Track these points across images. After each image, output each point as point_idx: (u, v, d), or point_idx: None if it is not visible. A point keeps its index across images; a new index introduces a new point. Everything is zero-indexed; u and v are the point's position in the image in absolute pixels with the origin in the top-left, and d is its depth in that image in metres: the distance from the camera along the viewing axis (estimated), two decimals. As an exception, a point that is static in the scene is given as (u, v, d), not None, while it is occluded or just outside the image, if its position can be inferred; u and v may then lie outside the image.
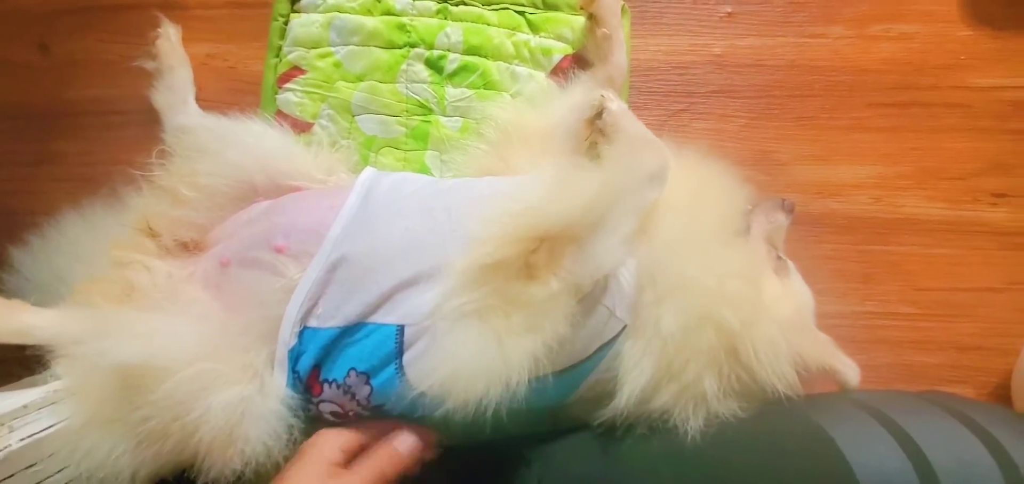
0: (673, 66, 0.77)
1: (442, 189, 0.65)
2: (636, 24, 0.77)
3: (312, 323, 0.58)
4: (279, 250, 0.61)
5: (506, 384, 0.52)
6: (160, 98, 0.77)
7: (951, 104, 0.76)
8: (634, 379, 0.55)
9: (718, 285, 0.56)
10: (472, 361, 0.53)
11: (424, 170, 0.77)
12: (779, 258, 0.64)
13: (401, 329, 0.56)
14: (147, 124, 0.79)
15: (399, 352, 0.56)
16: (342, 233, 0.60)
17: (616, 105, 0.64)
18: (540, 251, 0.54)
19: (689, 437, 0.53)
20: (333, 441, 0.57)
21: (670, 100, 0.77)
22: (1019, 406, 0.73)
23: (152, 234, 0.69)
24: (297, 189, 0.70)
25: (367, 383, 0.57)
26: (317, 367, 0.58)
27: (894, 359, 0.77)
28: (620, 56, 0.72)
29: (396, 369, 0.56)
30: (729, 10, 0.77)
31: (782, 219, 0.67)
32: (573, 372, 0.57)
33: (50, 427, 0.59)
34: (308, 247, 0.60)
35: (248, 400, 0.56)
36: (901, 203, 0.76)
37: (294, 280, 0.59)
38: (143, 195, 0.71)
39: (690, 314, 0.55)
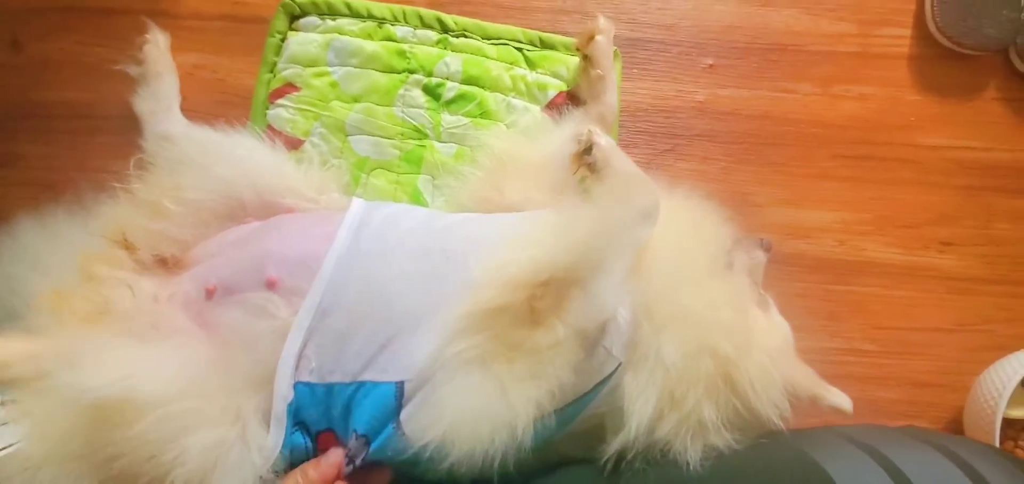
0: (660, 110, 0.81)
1: (438, 228, 0.62)
2: (627, 68, 0.81)
3: (305, 377, 0.54)
4: (270, 284, 0.57)
5: (512, 432, 0.50)
6: (143, 105, 0.73)
7: (903, 159, 0.82)
8: (640, 409, 0.54)
9: (712, 314, 0.56)
10: (476, 410, 0.50)
11: (416, 194, 0.76)
12: (760, 293, 0.67)
13: (401, 385, 0.53)
14: (121, 132, 0.74)
15: (398, 409, 0.53)
16: (334, 274, 0.56)
17: (604, 140, 0.65)
18: (545, 296, 0.52)
19: (688, 468, 0.52)
20: None
21: (657, 140, 0.80)
22: (970, 437, 0.77)
23: (128, 247, 0.63)
24: (287, 209, 0.67)
25: (366, 445, 0.53)
26: (331, 431, 0.55)
27: (858, 394, 0.78)
28: (611, 96, 0.74)
29: (394, 428, 0.53)
30: (710, 62, 0.81)
31: (761, 256, 0.70)
32: (568, 409, 0.55)
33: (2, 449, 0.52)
34: (299, 283, 0.56)
35: (227, 445, 0.51)
36: (863, 247, 0.81)
37: (286, 323, 0.55)
38: (118, 205, 0.66)
39: (689, 343, 0.55)
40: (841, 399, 0.60)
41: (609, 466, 0.54)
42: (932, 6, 0.81)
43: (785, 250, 0.80)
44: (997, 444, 0.73)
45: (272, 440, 0.53)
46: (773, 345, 0.60)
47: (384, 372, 0.53)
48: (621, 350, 0.55)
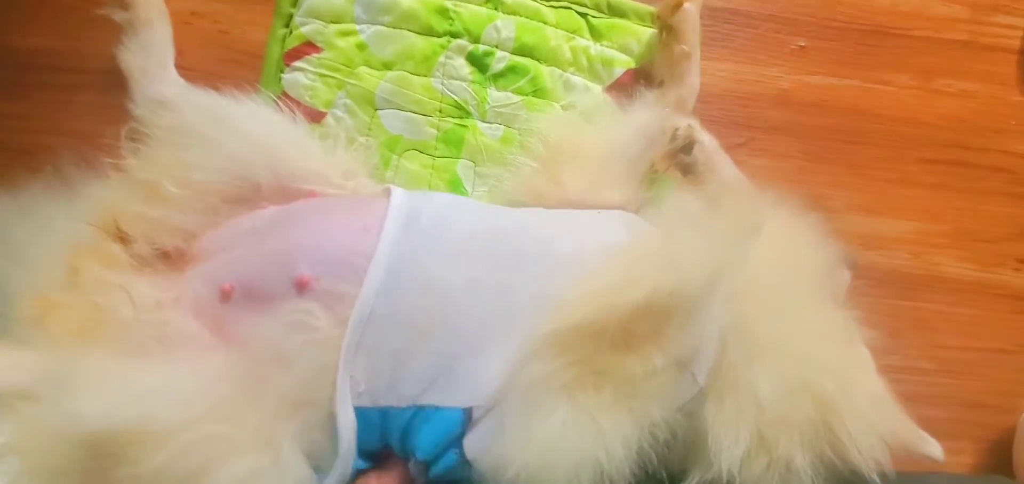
0: (737, 96, 0.69)
1: (505, 227, 0.53)
2: (704, 45, 0.68)
3: (356, 402, 0.46)
4: (302, 284, 0.48)
5: (601, 472, 0.43)
6: (131, 59, 0.58)
7: (994, 167, 0.73)
8: (730, 448, 0.47)
9: (819, 351, 0.49)
10: (566, 447, 0.43)
11: (455, 180, 0.65)
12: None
13: (469, 412, 0.46)
14: (105, 89, 0.61)
15: (462, 435, 0.46)
16: (386, 279, 0.47)
17: (709, 139, 0.55)
18: (642, 320, 0.44)
19: None
20: None
21: (730, 132, 0.69)
22: (1019, 461, 0.75)
23: (122, 237, 0.52)
24: (310, 194, 0.56)
25: (425, 471, 0.47)
26: (389, 447, 0.48)
27: (907, 413, 0.77)
28: (695, 78, 0.62)
29: (457, 457, 0.46)
30: (802, 43, 0.69)
31: (846, 276, 0.62)
32: None
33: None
34: (340, 285, 0.47)
35: (260, 475, 0.44)
36: (936, 260, 0.74)
37: (329, 336, 0.46)
38: (108, 186, 0.54)
39: (788, 381, 0.48)
40: (935, 449, 0.55)
41: None
42: (1056, -8, 0.69)
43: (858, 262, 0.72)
44: (1048, 476, 0.70)
45: (338, 475, 0.46)
46: (874, 388, 0.54)
47: (448, 396, 0.46)
48: (704, 376, 0.48)
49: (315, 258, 0.48)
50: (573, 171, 0.58)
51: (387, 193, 0.53)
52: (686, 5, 0.60)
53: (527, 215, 0.55)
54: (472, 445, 0.46)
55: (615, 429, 0.44)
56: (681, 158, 0.54)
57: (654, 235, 0.49)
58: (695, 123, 0.55)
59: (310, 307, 0.47)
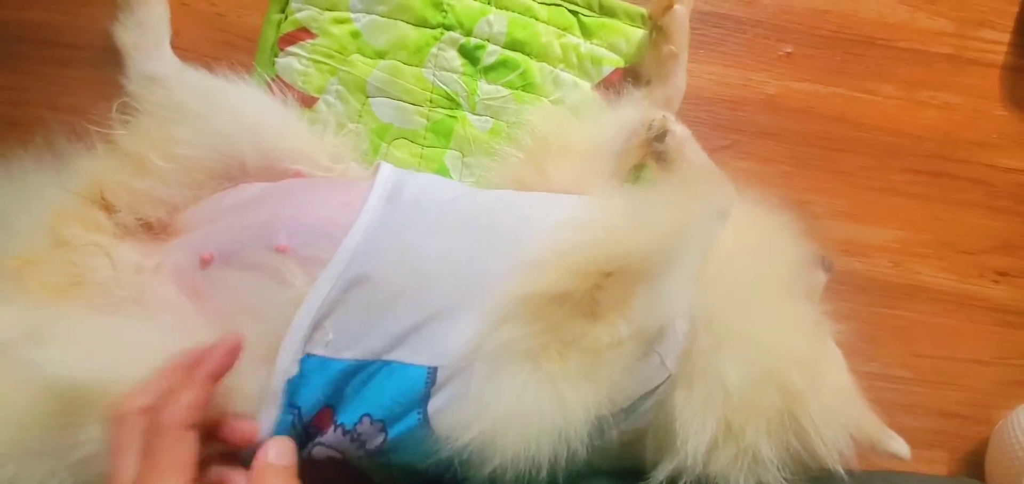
0: (724, 100, 0.70)
1: (484, 204, 0.53)
2: (693, 47, 0.68)
3: (319, 350, 0.46)
4: (281, 251, 0.48)
5: (564, 438, 0.43)
6: (127, 36, 0.59)
7: (975, 180, 0.74)
8: (697, 435, 0.47)
9: (787, 341, 0.49)
10: (526, 411, 0.43)
11: (442, 170, 0.65)
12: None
13: (433, 371, 0.45)
14: (99, 65, 0.61)
15: (426, 396, 0.45)
16: (363, 243, 0.48)
17: (681, 129, 0.56)
18: (608, 287, 0.45)
19: None
20: None
21: (716, 134, 0.70)
22: (990, 471, 0.75)
23: (106, 207, 0.53)
24: (297, 174, 0.56)
25: (382, 431, 0.46)
26: (329, 408, 0.47)
27: (884, 421, 0.77)
28: (681, 78, 0.63)
29: (419, 417, 0.45)
30: (789, 50, 0.70)
31: (821, 277, 0.63)
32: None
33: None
34: (318, 252, 0.48)
35: None
36: (917, 270, 0.74)
37: (301, 292, 0.46)
38: (96, 156, 0.55)
39: (755, 369, 0.48)
40: (900, 446, 0.55)
41: None
42: (1039, 11, 0.70)
43: (838, 266, 0.72)
44: (1022, 486, 0.70)
45: (262, 422, 0.46)
46: (841, 383, 0.54)
47: (415, 353, 0.46)
48: (674, 362, 0.48)
49: (293, 228, 0.49)
50: (558, 163, 0.59)
51: (376, 170, 0.53)
52: (676, 7, 0.61)
53: (507, 195, 0.55)
54: (435, 407, 0.46)
55: (576, 396, 0.44)
56: (655, 147, 0.55)
57: (624, 206, 0.50)
58: (670, 115, 0.55)
59: (288, 264, 0.47)
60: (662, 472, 0.48)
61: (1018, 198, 0.74)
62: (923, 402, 0.76)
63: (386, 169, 0.53)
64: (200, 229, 0.53)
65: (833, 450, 0.49)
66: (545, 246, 0.47)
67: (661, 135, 0.55)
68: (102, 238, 0.52)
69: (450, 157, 0.65)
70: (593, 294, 0.45)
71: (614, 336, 0.45)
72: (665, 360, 0.48)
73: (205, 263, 0.49)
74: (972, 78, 0.72)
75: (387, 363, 0.46)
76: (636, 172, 0.62)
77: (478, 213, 0.52)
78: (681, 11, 0.61)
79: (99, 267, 0.50)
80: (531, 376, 0.44)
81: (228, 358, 0.42)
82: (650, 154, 0.57)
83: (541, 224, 0.50)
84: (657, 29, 0.62)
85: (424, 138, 0.64)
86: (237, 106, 0.55)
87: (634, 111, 0.61)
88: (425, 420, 0.46)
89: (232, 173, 0.55)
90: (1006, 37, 0.71)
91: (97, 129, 0.54)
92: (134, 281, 0.50)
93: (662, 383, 0.48)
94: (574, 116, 0.63)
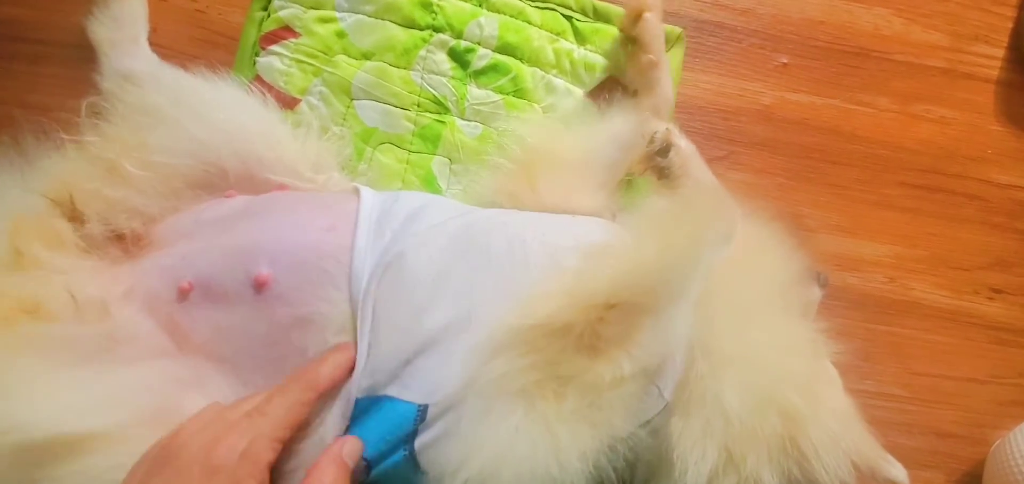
0: (719, 109, 0.67)
1: (475, 225, 0.50)
2: (689, 56, 0.67)
3: None
4: (260, 283, 0.44)
5: None
6: (102, 31, 0.55)
7: (970, 195, 0.72)
8: (697, 465, 0.44)
9: (786, 363, 0.47)
10: (516, 455, 0.40)
11: (429, 177, 0.62)
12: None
13: (424, 409, 0.42)
14: (73, 64, 0.58)
15: (413, 434, 0.42)
16: (360, 278, 0.45)
17: (685, 144, 0.53)
18: (611, 321, 0.41)
19: None
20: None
21: (711, 144, 0.67)
22: (988, 496, 0.72)
23: (75, 215, 0.49)
24: (279, 186, 0.53)
25: (368, 468, 0.43)
26: None
27: (880, 440, 0.74)
28: (666, 86, 0.60)
29: (405, 454, 0.42)
30: (785, 61, 0.68)
31: (817, 294, 0.60)
32: None
33: None
34: (300, 287, 0.45)
35: None
36: (911, 285, 0.72)
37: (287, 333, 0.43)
38: (66, 156, 0.51)
39: (754, 393, 0.45)
40: (899, 473, 0.52)
41: None
42: (1032, 27, 0.68)
43: (832, 282, 0.70)
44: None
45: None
46: (840, 406, 0.51)
47: (405, 390, 0.43)
48: (670, 391, 0.45)
49: (275, 255, 0.45)
50: (549, 176, 0.55)
51: (357, 192, 0.50)
52: (646, 14, 0.58)
53: (500, 215, 0.52)
54: (423, 445, 0.42)
55: (572, 441, 0.40)
56: (657, 161, 0.52)
57: (626, 235, 0.47)
58: (673, 127, 0.53)
59: (272, 304, 0.44)
60: None
61: (1013, 214, 0.73)
62: (918, 421, 0.74)
63: (368, 198, 0.50)
64: (176, 246, 0.49)
65: (834, 477, 0.46)
66: (544, 274, 0.44)
67: (665, 150, 0.52)
68: (65, 258, 0.47)
69: (437, 163, 0.62)
70: (594, 328, 0.41)
71: (617, 373, 0.41)
72: (663, 392, 0.45)
73: (184, 294, 0.46)
74: (967, 92, 0.70)
75: (377, 399, 0.43)
76: (628, 182, 0.59)
77: (470, 237, 0.48)
78: (652, 18, 0.58)
79: (61, 308, 0.45)
80: (525, 417, 0.41)
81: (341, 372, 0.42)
82: (651, 168, 0.54)
83: (536, 248, 0.47)
84: (632, 41, 0.59)
85: (410, 143, 0.61)
86: (217, 111, 0.51)
87: (624, 122, 0.58)
88: (411, 456, 0.43)
89: (212, 181, 0.51)
90: (1000, 52, 0.70)
91: (67, 130, 0.50)
92: (100, 327, 0.46)
93: (658, 414, 0.45)
94: (565, 125, 0.60)
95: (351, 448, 0.41)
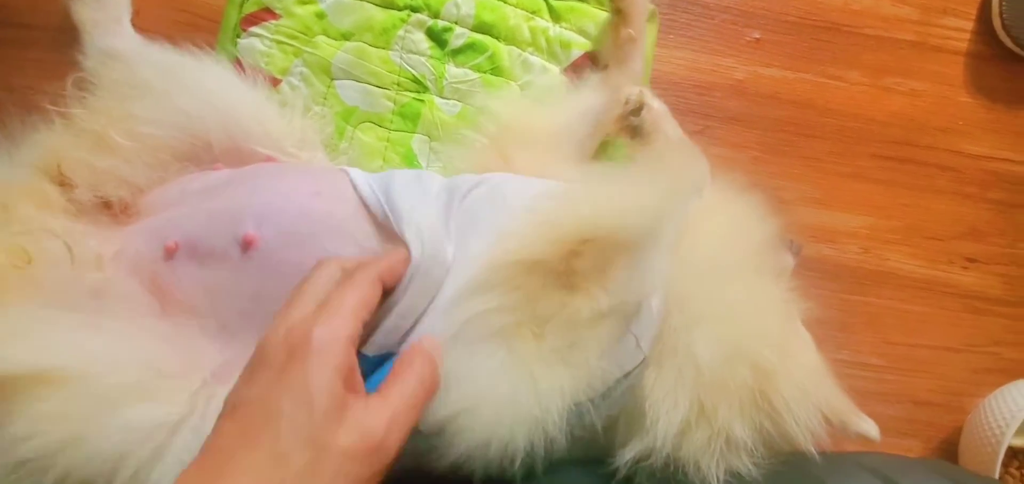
0: (694, 84, 0.68)
1: (459, 184, 0.51)
2: (663, 32, 0.67)
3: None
4: (247, 242, 0.45)
5: (539, 427, 0.40)
6: (85, 12, 0.55)
7: (942, 166, 0.73)
8: (668, 414, 0.45)
9: (757, 318, 0.47)
10: (498, 396, 0.40)
11: (409, 156, 0.63)
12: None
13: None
14: (57, 48, 0.58)
15: None
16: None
17: (658, 104, 0.54)
18: (586, 255, 0.42)
19: None
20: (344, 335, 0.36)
21: (687, 120, 0.68)
22: (965, 462, 0.73)
23: (63, 182, 0.49)
24: (267, 159, 0.54)
25: None
26: None
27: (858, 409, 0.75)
28: (638, 64, 0.61)
29: None
30: (757, 36, 0.68)
31: (789, 261, 0.61)
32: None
33: None
34: (288, 245, 0.45)
35: (178, 428, 0.40)
36: (886, 256, 0.73)
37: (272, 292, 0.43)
38: (53, 130, 0.52)
39: (727, 346, 0.45)
40: (870, 428, 0.53)
41: (618, 475, 0.46)
42: (1000, 2, 0.69)
43: (807, 253, 0.70)
44: (998, 471, 0.69)
45: None
46: (811, 362, 0.52)
47: (403, 345, 0.43)
48: (648, 344, 0.46)
49: (262, 216, 0.46)
50: (522, 150, 0.57)
51: (343, 173, 0.51)
52: None
53: (480, 176, 0.53)
54: None
55: (552, 382, 0.41)
56: (631, 121, 0.53)
57: (601, 177, 0.48)
58: (647, 90, 0.54)
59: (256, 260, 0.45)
60: (630, 452, 0.45)
61: (985, 184, 0.73)
62: (895, 390, 0.74)
63: (358, 175, 0.50)
64: (164, 213, 0.49)
65: (805, 430, 0.47)
66: (521, 215, 0.44)
67: (637, 109, 0.53)
68: (54, 219, 0.48)
69: (417, 141, 0.63)
70: (570, 263, 0.42)
71: (594, 308, 0.42)
72: (640, 342, 0.45)
73: (169, 253, 0.46)
74: (937, 65, 0.71)
75: (388, 357, 0.43)
76: (603, 152, 0.60)
77: (453, 191, 0.49)
78: None
79: (52, 253, 0.46)
80: (506, 358, 0.41)
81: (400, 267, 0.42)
82: (625, 129, 0.55)
83: (513, 197, 0.48)
84: (617, 12, 0.60)
85: (391, 122, 0.62)
86: (203, 84, 0.52)
87: (594, 95, 0.59)
88: None
89: (198, 154, 0.52)
90: (969, 24, 0.71)
91: (53, 107, 0.51)
92: (96, 266, 0.47)
93: (637, 366, 0.46)
94: (540, 102, 0.61)
95: (434, 343, 0.41)
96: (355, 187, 0.48)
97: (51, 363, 0.39)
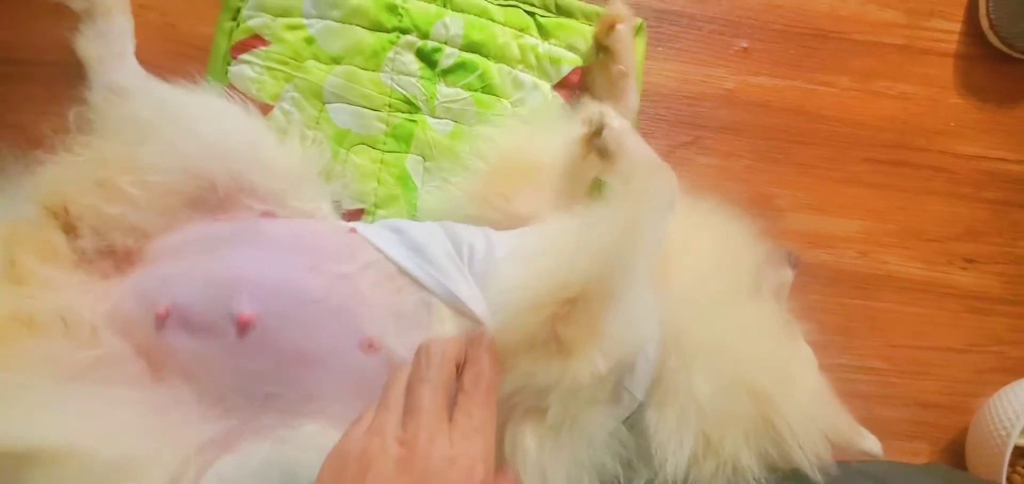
0: (684, 95, 0.68)
1: (459, 244, 0.51)
2: (651, 44, 0.67)
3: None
4: (244, 324, 0.44)
5: None
6: (89, 48, 0.55)
7: (936, 168, 0.72)
8: (676, 454, 0.45)
9: (749, 345, 0.47)
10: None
11: (404, 176, 0.63)
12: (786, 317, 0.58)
13: None
14: (52, 83, 0.58)
15: None
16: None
17: (618, 123, 0.53)
18: (572, 317, 0.41)
19: None
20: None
21: (677, 130, 0.68)
22: (972, 460, 0.72)
23: (68, 225, 0.48)
24: (266, 215, 0.52)
25: None
26: None
27: (863, 413, 0.71)
28: (633, 97, 0.60)
29: None
30: (745, 45, 0.69)
31: (788, 274, 0.60)
32: None
33: None
34: (280, 323, 0.44)
35: None
36: (884, 260, 0.72)
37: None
38: (61, 166, 0.51)
39: (723, 378, 0.45)
40: (873, 445, 0.53)
41: None
42: (987, 2, 0.69)
43: (805, 260, 0.70)
44: (1005, 470, 0.67)
45: None
46: (813, 384, 0.51)
47: None
48: (642, 390, 0.46)
49: (257, 292, 0.45)
50: (523, 188, 0.55)
51: (352, 232, 0.50)
52: (618, 26, 0.59)
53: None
54: None
55: (557, 471, 0.41)
56: (595, 143, 0.52)
57: (561, 223, 0.47)
58: (608, 109, 0.53)
59: (252, 349, 0.45)
60: (640, 481, 0.45)
61: (979, 184, 0.73)
62: (900, 393, 0.74)
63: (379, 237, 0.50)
64: (158, 267, 0.48)
65: (810, 453, 0.47)
66: (495, 287, 0.45)
67: (599, 130, 0.52)
68: (57, 273, 0.48)
69: (411, 162, 0.63)
70: (554, 329, 0.41)
71: (592, 369, 0.41)
72: (634, 392, 0.46)
73: (161, 320, 0.45)
74: (925, 67, 0.71)
75: None
76: (597, 186, 0.60)
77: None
78: (624, 30, 0.59)
79: (52, 329, 0.44)
80: (511, 454, 0.41)
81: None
82: (594, 150, 0.55)
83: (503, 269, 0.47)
84: (603, 50, 0.60)
85: (384, 143, 0.62)
86: (206, 125, 0.51)
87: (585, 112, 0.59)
88: None
89: (204, 197, 0.50)
90: (956, 26, 0.71)
91: (57, 143, 0.51)
92: (90, 340, 0.45)
93: (634, 413, 0.46)
94: (534, 124, 0.61)
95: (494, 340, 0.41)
96: (392, 261, 0.48)
97: (41, 440, 0.39)
